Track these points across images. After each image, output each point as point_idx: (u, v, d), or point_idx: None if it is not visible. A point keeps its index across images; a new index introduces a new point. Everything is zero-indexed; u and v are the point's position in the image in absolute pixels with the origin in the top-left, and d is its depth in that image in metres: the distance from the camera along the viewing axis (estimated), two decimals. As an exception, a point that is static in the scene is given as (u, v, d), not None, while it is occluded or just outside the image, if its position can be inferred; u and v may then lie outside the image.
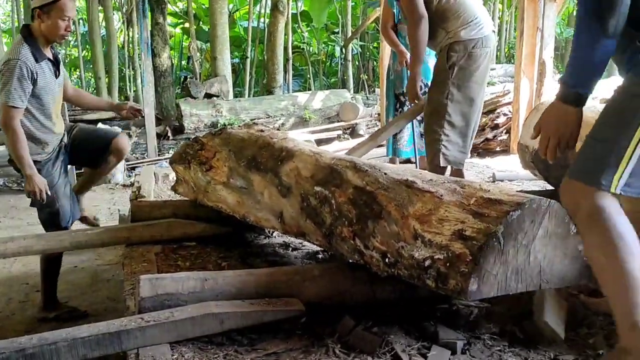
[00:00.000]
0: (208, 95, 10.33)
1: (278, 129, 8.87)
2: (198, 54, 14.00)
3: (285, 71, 12.51)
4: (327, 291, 2.16)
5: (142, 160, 7.54)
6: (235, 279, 2.13)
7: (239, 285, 2.10)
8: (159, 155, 7.97)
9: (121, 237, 2.89)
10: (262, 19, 14.31)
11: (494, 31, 3.55)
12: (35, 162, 3.21)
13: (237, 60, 15.43)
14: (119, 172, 7.00)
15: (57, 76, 3.32)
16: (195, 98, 10.09)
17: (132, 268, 2.57)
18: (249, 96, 11.98)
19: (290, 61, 12.71)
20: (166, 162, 7.09)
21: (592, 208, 1.62)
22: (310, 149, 2.59)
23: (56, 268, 3.53)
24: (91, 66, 12.79)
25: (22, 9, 13.43)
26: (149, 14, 10.08)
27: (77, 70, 15.61)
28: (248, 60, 12.62)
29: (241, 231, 3.05)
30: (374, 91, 14.16)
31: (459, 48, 3.41)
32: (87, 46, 13.61)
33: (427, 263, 1.83)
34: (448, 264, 1.77)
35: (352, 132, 9.16)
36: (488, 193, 1.85)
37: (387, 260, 2.00)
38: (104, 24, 11.65)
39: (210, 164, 2.86)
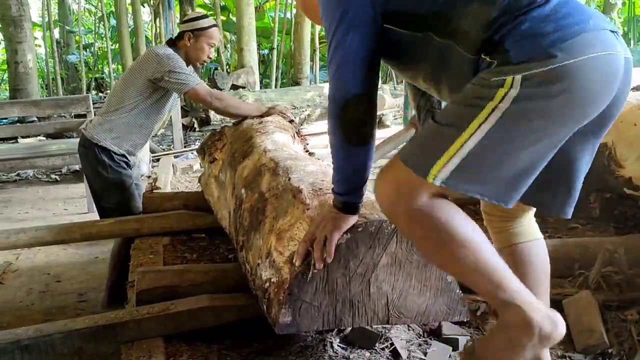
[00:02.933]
0: (234, 87, 10.32)
1: (304, 120, 8.86)
2: (228, 45, 14.04)
3: (313, 62, 12.43)
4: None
5: (168, 152, 7.57)
6: (236, 272, 2.11)
7: (238, 278, 2.07)
8: (185, 146, 8.00)
9: (131, 228, 2.89)
10: (285, 10, 14.25)
11: None
12: (130, 154, 3.33)
13: (266, 51, 15.42)
14: (144, 164, 7.04)
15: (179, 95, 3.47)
16: (221, 89, 10.09)
17: (139, 260, 2.56)
18: (275, 87, 11.95)
19: (318, 52, 12.62)
20: (192, 153, 7.11)
21: (418, 200, 1.40)
22: (270, 145, 2.43)
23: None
24: (120, 59, 12.92)
25: (55, 3, 13.70)
26: (175, 6, 10.12)
27: (107, 63, 15.80)
28: (275, 51, 12.58)
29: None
30: (401, 81, 14.00)
31: None
32: (115, 39, 13.77)
33: (266, 285, 1.65)
34: (276, 290, 1.58)
35: (379, 122, 9.06)
36: None
37: (250, 277, 1.84)
38: (131, 16, 11.73)
39: (215, 156, 2.84)
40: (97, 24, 16.75)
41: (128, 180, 3.29)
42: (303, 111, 9.66)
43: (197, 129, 9.69)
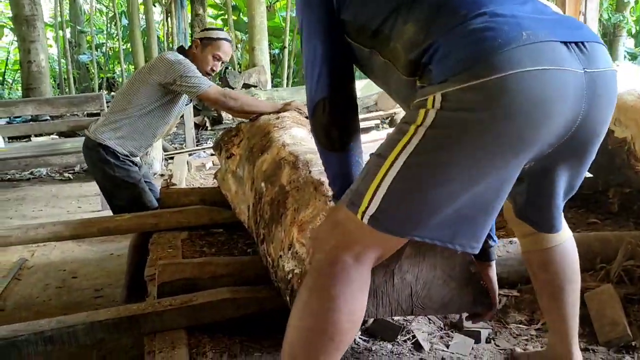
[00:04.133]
0: (246, 86, 10.35)
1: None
2: (237, 45, 14.07)
3: (324, 61, 12.43)
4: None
5: (180, 151, 7.59)
6: (256, 264, 2.11)
7: (258, 270, 2.07)
8: (197, 145, 8.02)
9: (149, 223, 2.90)
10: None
11: None
12: (133, 156, 3.33)
13: (276, 51, 15.44)
14: (157, 162, 7.07)
15: (186, 102, 3.48)
16: (233, 88, 10.12)
17: (158, 254, 2.57)
18: (287, 86, 11.96)
19: (329, 51, 12.62)
20: (204, 152, 7.13)
21: (338, 254, 1.28)
22: (288, 139, 2.41)
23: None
24: (132, 58, 12.98)
25: (67, 3, 13.76)
26: (187, 5, 10.15)
27: (118, 62, 15.86)
28: (286, 50, 12.60)
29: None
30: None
31: None
32: (127, 39, 13.83)
33: (289, 277, 1.63)
34: (299, 281, 1.54)
35: (391, 121, 9.04)
36: None
37: (272, 269, 1.82)
38: (143, 16, 11.79)
39: (232, 151, 2.83)
40: (109, 24, 16.82)
41: (136, 177, 3.29)
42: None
43: (209, 128, 9.72)
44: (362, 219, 1.24)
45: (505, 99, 1.12)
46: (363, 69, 1.52)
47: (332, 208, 1.46)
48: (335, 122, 1.47)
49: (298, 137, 2.53)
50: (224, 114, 9.56)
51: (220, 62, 3.38)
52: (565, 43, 1.19)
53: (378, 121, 9.11)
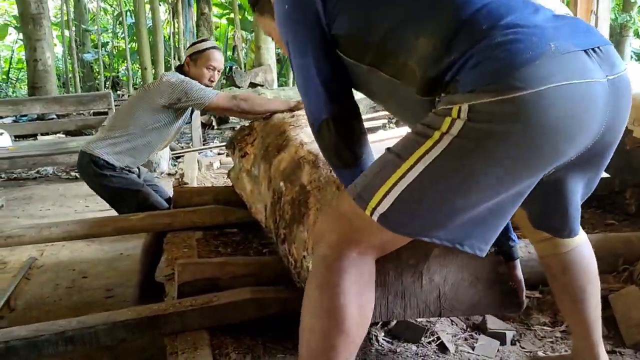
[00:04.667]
0: (252, 85, 10.33)
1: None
2: (243, 44, 14.05)
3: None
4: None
5: (187, 150, 7.57)
6: (277, 265, 2.09)
7: (279, 271, 2.04)
8: (203, 144, 8.01)
9: (163, 223, 2.88)
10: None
11: None
12: (129, 168, 3.30)
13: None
14: (164, 161, 7.05)
15: (189, 121, 3.52)
16: (239, 87, 10.10)
17: (173, 254, 2.54)
18: (293, 85, 11.95)
19: (335, 50, 12.60)
20: (211, 151, 7.11)
21: (354, 246, 1.28)
22: (306, 138, 2.35)
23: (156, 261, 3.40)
24: (138, 57, 12.96)
25: (71, 2, 13.73)
26: (194, 4, 10.13)
27: (124, 61, 15.85)
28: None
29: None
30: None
31: None
32: (134, 37, 13.80)
33: None
34: None
35: (398, 121, 9.03)
36: None
37: (295, 270, 1.79)
38: (150, 15, 11.77)
39: (246, 150, 2.81)
40: (115, 23, 16.82)
41: (136, 181, 3.28)
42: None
43: (216, 127, 9.70)
44: (371, 215, 1.23)
45: (537, 114, 1.11)
46: (357, 87, 1.47)
47: (335, 199, 1.43)
48: (344, 141, 1.44)
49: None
50: (230, 113, 9.55)
51: (215, 71, 3.36)
52: (585, 51, 1.19)
53: (385, 121, 9.09)
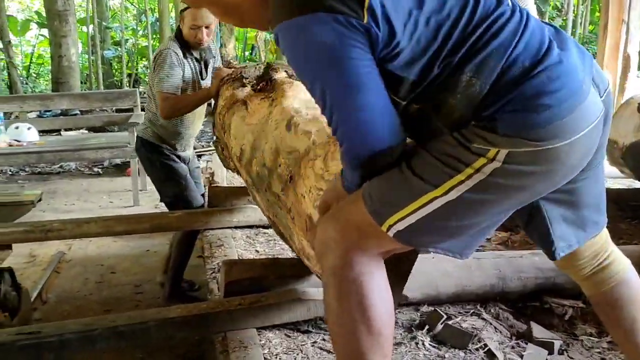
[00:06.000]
0: (273, 86, 10.36)
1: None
2: (262, 45, 14.08)
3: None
4: (415, 283, 2.09)
5: (208, 149, 7.60)
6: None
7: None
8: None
9: (199, 221, 2.90)
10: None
11: None
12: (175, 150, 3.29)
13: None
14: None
15: (202, 77, 3.35)
16: (260, 88, 10.13)
17: (212, 252, 2.56)
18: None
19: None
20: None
21: (361, 252, 1.29)
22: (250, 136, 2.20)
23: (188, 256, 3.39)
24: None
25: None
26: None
27: (145, 59, 15.94)
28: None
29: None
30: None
31: None
32: (156, 35, 13.89)
33: None
34: None
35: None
36: None
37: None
38: (173, 13, 11.83)
39: (232, 167, 2.75)
40: (137, 20, 16.91)
41: (180, 173, 3.27)
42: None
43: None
44: (387, 231, 1.25)
45: (567, 158, 1.21)
46: None
47: (337, 207, 1.35)
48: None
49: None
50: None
51: (201, 29, 3.13)
52: (593, 78, 1.25)
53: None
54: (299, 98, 2.11)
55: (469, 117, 1.20)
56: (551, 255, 1.47)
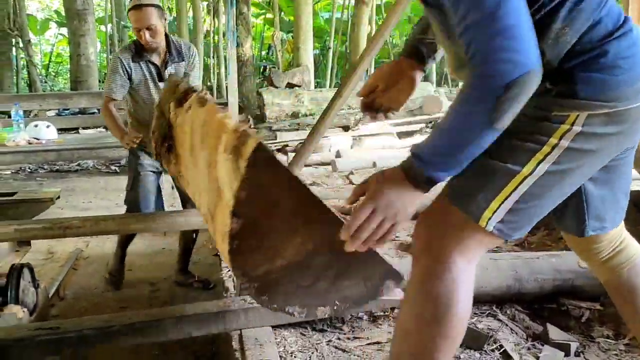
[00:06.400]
0: (290, 85, 10.35)
1: (359, 121, 8.84)
2: (279, 44, 14.11)
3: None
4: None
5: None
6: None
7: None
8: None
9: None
10: (343, 11, 14.31)
11: None
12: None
13: (316, 51, 15.45)
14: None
15: (155, 81, 3.29)
16: (277, 87, 10.14)
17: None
18: (330, 87, 11.96)
19: (372, 53, 12.58)
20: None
21: (461, 254, 1.29)
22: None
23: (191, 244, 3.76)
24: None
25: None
26: (235, 4, 10.20)
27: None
28: (330, 51, 12.61)
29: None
30: (457, 85, 13.88)
31: None
32: (173, 34, 13.98)
33: None
34: None
35: (434, 126, 8.99)
36: None
37: None
38: (190, 13, 11.90)
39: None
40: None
41: (138, 167, 3.38)
42: (358, 111, 9.63)
43: (252, 126, 9.76)
44: (485, 226, 1.26)
45: (635, 119, 1.27)
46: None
47: (434, 208, 1.34)
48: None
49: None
50: (267, 112, 9.60)
51: (142, 31, 3.05)
52: None
53: (422, 125, 9.05)
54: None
55: (553, 67, 1.22)
56: (580, 232, 1.48)
